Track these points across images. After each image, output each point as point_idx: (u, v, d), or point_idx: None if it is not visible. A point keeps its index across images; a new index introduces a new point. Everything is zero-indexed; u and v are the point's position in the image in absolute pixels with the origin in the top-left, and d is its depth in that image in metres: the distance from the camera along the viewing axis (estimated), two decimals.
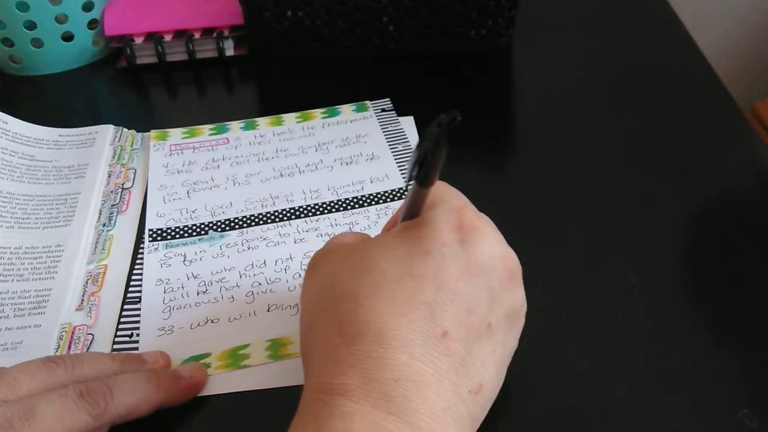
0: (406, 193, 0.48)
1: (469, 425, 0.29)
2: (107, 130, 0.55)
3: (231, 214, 0.47)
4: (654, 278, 0.41)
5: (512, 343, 0.32)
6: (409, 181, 0.29)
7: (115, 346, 0.39)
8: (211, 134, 0.55)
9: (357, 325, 0.28)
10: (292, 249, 0.44)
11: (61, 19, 0.62)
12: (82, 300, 0.42)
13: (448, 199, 0.32)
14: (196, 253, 0.44)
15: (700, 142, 0.51)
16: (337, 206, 0.47)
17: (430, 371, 0.27)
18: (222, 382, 0.37)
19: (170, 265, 0.44)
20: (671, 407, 0.34)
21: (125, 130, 0.55)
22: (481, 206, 0.47)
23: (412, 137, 0.53)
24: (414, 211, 0.31)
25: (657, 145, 0.51)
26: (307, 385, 0.29)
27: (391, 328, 0.28)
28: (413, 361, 0.27)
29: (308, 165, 0.51)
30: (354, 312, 0.29)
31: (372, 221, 0.46)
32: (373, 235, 0.34)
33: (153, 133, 0.55)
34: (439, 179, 0.30)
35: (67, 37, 0.63)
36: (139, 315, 0.41)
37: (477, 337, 0.29)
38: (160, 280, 0.43)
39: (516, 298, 0.32)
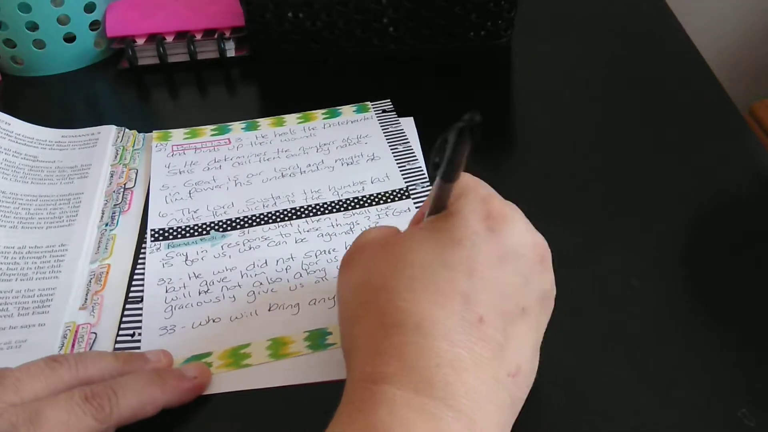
0: (407, 188, 0.48)
1: (509, 407, 0.30)
2: (110, 131, 0.55)
3: (232, 214, 0.47)
4: (653, 278, 0.41)
5: (544, 326, 0.33)
6: (434, 175, 0.31)
7: (117, 345, 0.40)
8: (212, 135, 0.55)
9: (396, 316, 0.29)
10: (293, 249, 0.44)
11: (62, 21, 0.63)
12: (86, 299, 0.42)
13: (474, 189, 0.32)
14: (197, 253, 0.45)
15: (699, 142, 0.52)
16: (337, 206, 0.47)
17: (468, 356, 0.28)
18: (223, 381, 0.37)
19: (172, 264, 0.44)
20: (670, 406, 0.35)
21: (127, 130, 0.56)
22: None
23: (413, 138, 0.53)
24: (440, 205, 0.32)
25: (655, 145, 0.52)
26: (351, 377, 0.30)
27: (429, 317, 0.29)
28: (452, 347, 0.28)
29: (309, 165, 0.51)
30: (392, 303, 0.30)
31: (372, 221, 0.46)
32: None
33: (155, 133, 0.55)
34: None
35: (69, 38, 0.64)
36: (141, 314, 0.41)
37: (512, 321, 0.30)
38: (162, 279, 0.43)
39: (546, 282, 0.33)
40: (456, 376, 0.28)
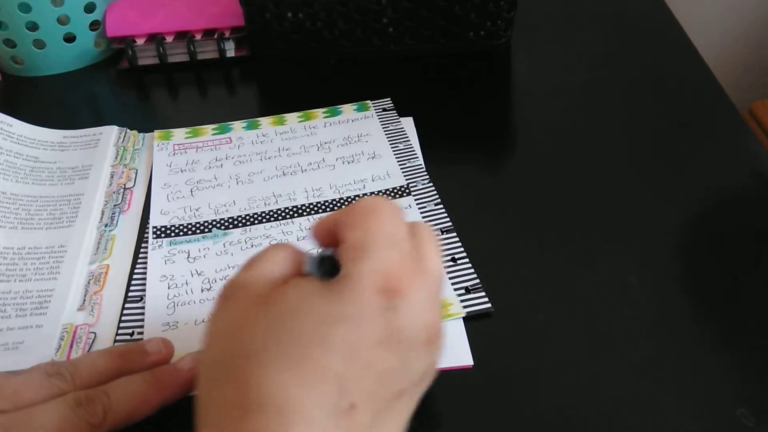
0: (402, 190, 0.48)
1: None
2: (111, 131, 0.55)
3: (234, 213, 0.47)
4: (652, 278, 0.41)
5: (419, 397, 0.31)
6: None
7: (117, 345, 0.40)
8: (214, 134, 0.55)
9: (257, 394, 0.26)
10: None
11: (62, 21, 0.63)
12: (84, 299, 0.42)
13: (378, 248, 0.29)
14: (200, 251, 0.45)
15: (698, 142, 0.52)
16: (339, 204, 0.47)
17: None
18: None
19: (174, 261, 0.44)
20: (668, 406, 0.34)
21: (128, 130, 0.56)
22: (481, 206, 0.48)
23: (413, 136, 0.53)
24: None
25: (655, 145, 0.52)
26: None
27: (294, 402, 0.26)
28: None
29: (310, 164, 0.51)
30: (256, 378, 0.26)
31: None
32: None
33: (157, 133, 0.55)
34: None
35: (69, 39, 0.64)
36: (139, 314, 0.41)
37: (386, 405, 0.28)
38: (164, 276, 0.43)
39: (428, 365, 0.30)
40: None
